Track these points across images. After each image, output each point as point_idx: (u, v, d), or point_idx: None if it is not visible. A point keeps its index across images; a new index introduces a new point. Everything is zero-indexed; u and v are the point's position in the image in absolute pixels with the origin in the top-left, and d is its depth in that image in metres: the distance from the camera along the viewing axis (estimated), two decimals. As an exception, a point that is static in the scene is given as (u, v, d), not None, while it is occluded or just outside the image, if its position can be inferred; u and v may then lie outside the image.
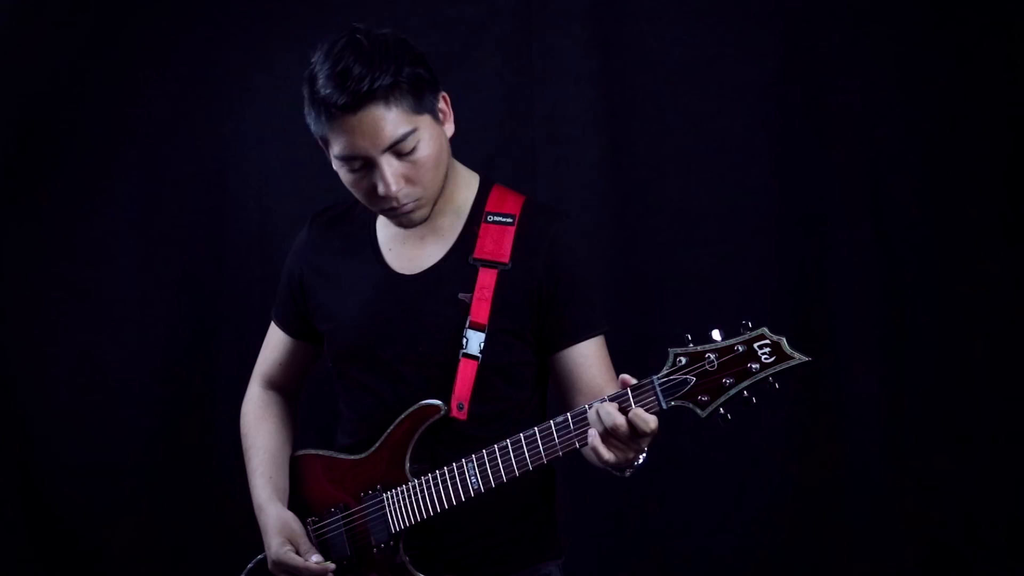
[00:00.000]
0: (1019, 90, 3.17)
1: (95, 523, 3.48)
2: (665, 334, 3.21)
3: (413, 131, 2.14)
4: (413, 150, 2.15)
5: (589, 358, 2.30)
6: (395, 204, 2.19)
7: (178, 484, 3.49)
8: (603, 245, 3.34)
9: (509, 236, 2.27)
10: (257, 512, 2.40)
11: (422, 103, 2.15)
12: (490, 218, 2.29)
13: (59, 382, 3.51)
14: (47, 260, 3.52)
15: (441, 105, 2.22)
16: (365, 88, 2.08)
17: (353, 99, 2.09)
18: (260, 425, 2.51)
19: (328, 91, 2.10)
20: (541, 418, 2.36)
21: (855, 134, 3.29)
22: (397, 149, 2.14)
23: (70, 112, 3.51)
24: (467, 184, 2.34)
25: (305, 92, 2.16)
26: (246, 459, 2.49)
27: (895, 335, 3.28)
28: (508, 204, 2.32)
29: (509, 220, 2.29)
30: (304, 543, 2.32)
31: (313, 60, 2.15)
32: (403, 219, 2.25)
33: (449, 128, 2.24)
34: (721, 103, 3.34)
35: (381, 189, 2.16)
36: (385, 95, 2.10)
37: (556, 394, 2.36)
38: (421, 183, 2.19)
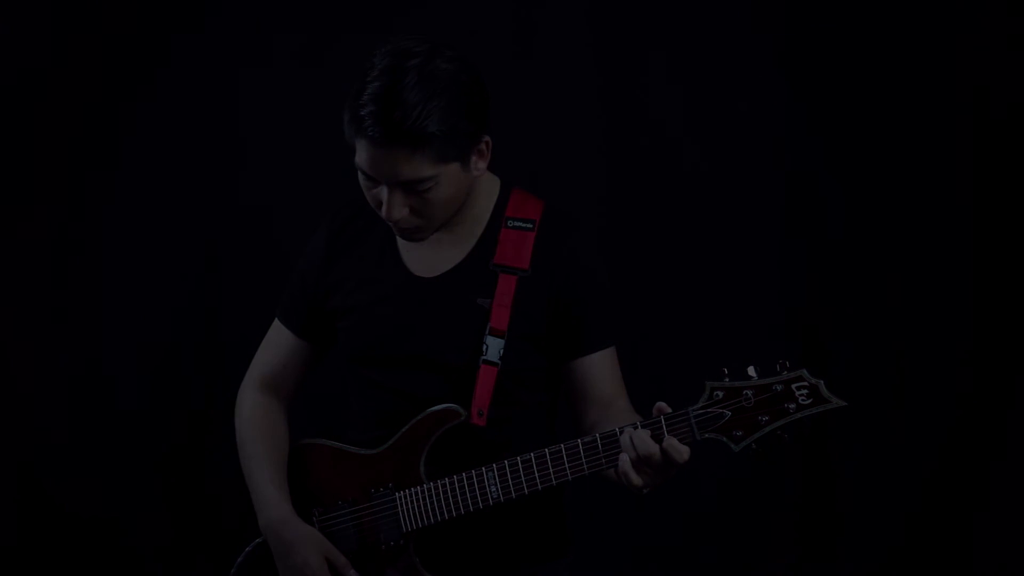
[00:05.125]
0: (1020, 88, 3.21)
1: (95, 523, 3.46)
2: (663, 335, 3.36)
3: (432, 177, 2.11)
4: (428, 190, 2.13)
5: (602, 369, 2.31)
6: (394, 223, 2.19)
7: (178, 484, 3.48)
8: (603, 244, 3.28)
9: (529, 242, 2.27)
10: (279, 525, 2.32)
11: (453, 154, 2.12)
12: (510, 223, 2.29)
13: (59, 382, 3.47)
14: (47, 259, 3.46)
15: (481, 147, 2.18)
16: (398, 130, 2.05)
17: (384, 135, 2.05)
18: (271, 433, 2.44)
19: (365, 112, 2.06)
20: (551, 418, 2.40)
21: (859, 136, 3.34)
22: (411, 187, 2.12)
23: (71, 111, 3.44)
24: (487, 188, 2.32)
25: (351, 90, 2.10)
26: (253, 465, 2.40)
27: (895, 337, 3.33)
28: (528, 209, 2.31)
29: (529, 226, 2.28)
30: (341, 560, 2.31)
31: (373, 62, 2.10)
32: (401, 235, 2.25)
33: (481, 166, 2.21)
34: (723, 103, 3.37)
35: (383, 211, 2.16)
36: (415, 142, 2.06)
37: (562, 394, 2.37)
38: (426, 216, 2.18)
